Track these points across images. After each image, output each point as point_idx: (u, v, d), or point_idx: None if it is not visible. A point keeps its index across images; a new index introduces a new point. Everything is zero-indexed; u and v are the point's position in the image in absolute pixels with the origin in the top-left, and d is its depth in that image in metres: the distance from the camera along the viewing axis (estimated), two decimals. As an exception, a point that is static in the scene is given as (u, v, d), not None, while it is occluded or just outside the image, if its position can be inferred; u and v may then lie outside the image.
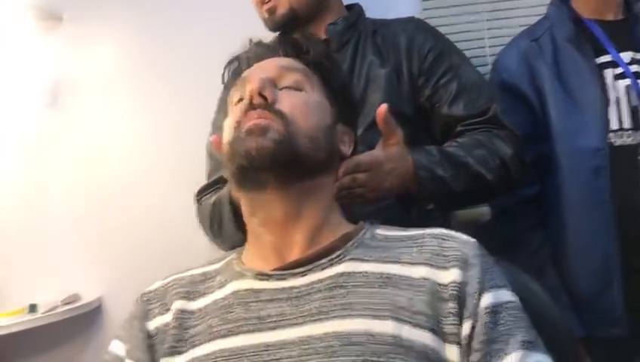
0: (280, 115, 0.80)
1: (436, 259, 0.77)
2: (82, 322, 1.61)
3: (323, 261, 0.79)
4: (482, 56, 1.71)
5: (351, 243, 0.81)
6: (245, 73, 0.89)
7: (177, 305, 0.82)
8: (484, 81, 1.30)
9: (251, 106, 0.81)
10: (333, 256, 0.79)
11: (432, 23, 1.62)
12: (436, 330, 0.72)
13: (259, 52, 0.91)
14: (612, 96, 1.31)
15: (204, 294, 0.83)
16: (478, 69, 1.63)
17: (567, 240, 1.32)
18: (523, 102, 1.36)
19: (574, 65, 1.33)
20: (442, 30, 1.36)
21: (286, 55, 0.90)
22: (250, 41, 0.95)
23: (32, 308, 1.51)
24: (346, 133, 0.92)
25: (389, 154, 1.00)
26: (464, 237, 0.81)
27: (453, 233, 0.81)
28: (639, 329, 1.28)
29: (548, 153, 1.34)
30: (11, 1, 1.50)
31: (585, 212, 1.30)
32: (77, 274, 1.64)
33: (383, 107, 0.95)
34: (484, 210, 1.50)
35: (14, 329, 1.43)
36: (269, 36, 1.09)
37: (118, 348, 0.84)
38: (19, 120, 1.63)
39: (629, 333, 1.28)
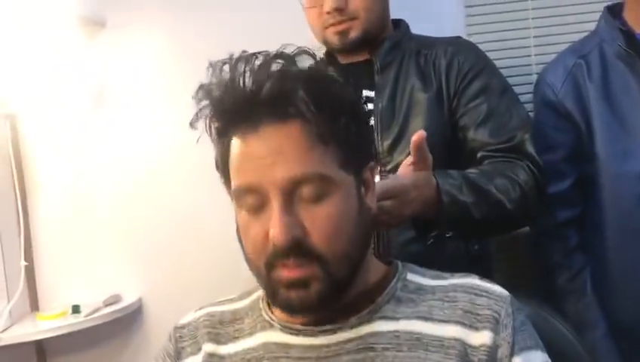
0: (316, 258, 0.71)
1: (468, 318, 0.75)
2: (123, 322, 1.65)
3: (352, 319, 0.77)
4: (528, 74, 1.66)
5: (382, 297, 0.79)
6: (252, 181, 0.72)
7: (207, 348, 0.83)
8: (519, 109, 1.26)
9: (282, 253, 0.71)
10: (364, 312, 0.78)
11: (476, 38, 1.60)
12: None
13: (249, 114, 0.72)
14: (662, 119, 1.26)
15: (234, 339, 0.83)
16: (524, 85, 1.62)
17: (609, 265, 1.29)
18: (567, 120, 1.31)
19: (624, 84, 1.27)
20: (487, 46, 1.33)
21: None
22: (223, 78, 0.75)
23: (75, 309, 1.55)
24: (370, 175, 0.81)
25: (416, 180, 0.99)
26: (497, 290, 0.79)
27: (486, 285, 0.80)
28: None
29: (592, 174, 1.30)
30: (58, 9, 1.52)
31: (628, 238, 1.26)
32: (118, 275, 1.68)
33: (421, 133, 0.94)
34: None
35: (59, 333, 1.48)
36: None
37: None
38: (66, 123, 1.66)
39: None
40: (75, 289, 1.65)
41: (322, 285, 0.72)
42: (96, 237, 1.67)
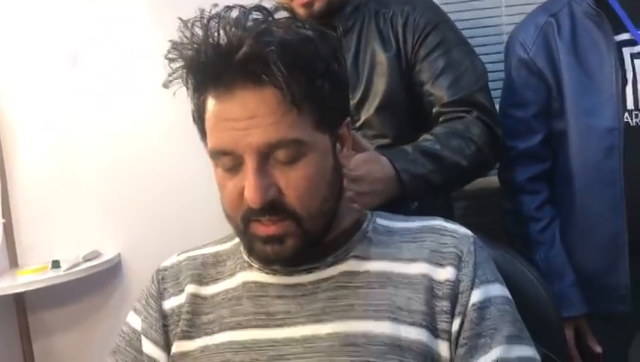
0: (291, 215, 0.74)
1: (434, 256, 0.80)
2: (102, 277, 1.68)
3: (328, 259, 0.81)
4: (499, 34, 1.70)
5: (355, 237, 0.83)
6: (225, 136, 0.72)
7: (190, 289, 0.86)
8: (474, 62, 1.31)
9: (257, 213, 0.73)
10: (338, 252, 0.82)
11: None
12: (431, 328, 0.76)
13: (223, 75, 0.72)
14: (629, 76, 1.28)
15: (215, 280, 0.86)
16: (495, 45, 1.64)
17: (576, 217, 1.34)
18: (539, 77, 1.35)
19: (592, 42, 1.31)
20: (458, 6, 1.34)
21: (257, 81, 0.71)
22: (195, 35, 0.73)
23: (55, 264, 1.57)
24: (346, 130, 0.82)
25: (370, 172, 1.04)
26: (461, 231, 0.84)
27: (450, 226, 0.85)
28: (642, 306, 1.32)
29: (561, 130, 1.34)
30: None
31: (594, 191, 1.30)
32: (97, 231, 1.70)
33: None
34: (493, 180, 1.52)
35: (39, 286, 1.50)
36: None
37: (135, 322, 0.89)
38: (43, 84, 1.66)
39: (632, 311, 1.31)
40: (55, 246, 1.66)
41: (297, 240, 0.76)
42: (74, 194, 1.69)
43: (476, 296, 0.77)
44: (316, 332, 0.77)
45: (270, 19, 0.73)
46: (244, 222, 0.75)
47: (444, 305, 0.77)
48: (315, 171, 0.75)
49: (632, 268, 1.29)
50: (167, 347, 0.85)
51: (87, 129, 1.69)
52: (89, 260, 1.61)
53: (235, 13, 0.73)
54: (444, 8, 1.44)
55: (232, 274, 0.86)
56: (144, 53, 1.66)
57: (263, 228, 0.75)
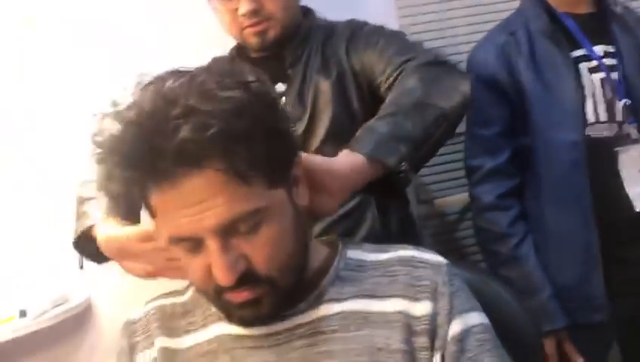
0: (262, 280, 0.72)
1: (409, 290, 0.78)
2: (73, 323, 1.62)
3: (301, 305, 0.79)
4: (459, 53, 1.73)
5: (326, 280, 0.81)
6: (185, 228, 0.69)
7: (160, 342, 0.83)
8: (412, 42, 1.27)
9: (229, 287, 0.71)
10: (311, 296, 0.79)
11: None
12: None
13: (159, 166, 0.65)
14: (588, 90, 1.33)
15: (187, 331, 0.84)
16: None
17: (548, 231, 1.36)
18: (501, 95, 1.38)
19: (550, 58, 1.35)
20: (417, 28, 1.35)
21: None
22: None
23: (22, 313, 1.51)
24: (298, 170, 0.79)
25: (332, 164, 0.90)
26: (434, 260, 0.82)
27: (423, 256, 0.82)
28: (619, 314, 1.34)
29: (527, 146, 1.37)
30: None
31: (564, 204, 1.33)
32: (64, 276, 1.64)
33: None
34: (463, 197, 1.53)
35: (6, 338, 1.44)
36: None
37: None
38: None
39: (609, 319, 1.33)
40: (21, 294, 1.59)
41: (273, 298, 0.74)
42: (35, 235, 1.62)
43: (454, 327, 0.76)
44: None
45: (190, 88, 0.68)
46: (216, 292, 0.73)
47: (423, 341, 0.75)
48: (278, 231, 0.73)
49: (606, 277, 1.32)
50: None
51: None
52: (58, 306, 1.56)
53: (148, 92, 0.68)
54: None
55: (203, 326, 0.83)
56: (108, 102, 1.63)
57: (237, 295, 0.73)
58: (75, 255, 1.52)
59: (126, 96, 0.70)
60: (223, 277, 0.69)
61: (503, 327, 0.82)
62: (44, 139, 1.64)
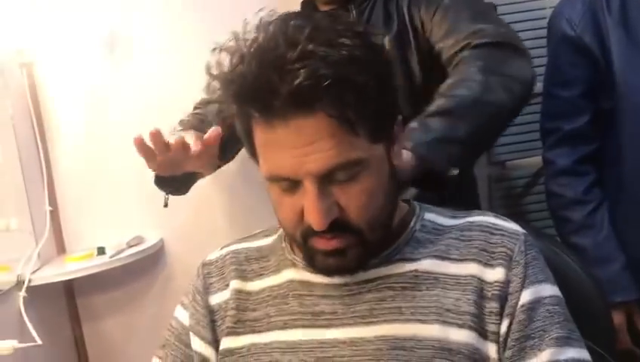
0: (352, 230, 0.74)
1: (483, 255, 0.78)
2: (146, 262, 1.69)
3: (373, 261, 0.80)
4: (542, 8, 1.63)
5: (401, 239, 0.82)
6: (285, 159, 0.70)
7: (235, 284, 0.86)
8: (487, 13, 1.20)
9: (320, 232, 0.73)
10: (384, 253, 0.80)
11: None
12: (480, 330, 0.75)
13: (274, 104, 0.68)
14: (682, 50, 1.23)
15: (260, 275, 0.87)
16: (538, 20, 1.57)
17: (626, 199, 1.30)
18: (585, 55, 1.30)
19: (644, 16, 1.25)
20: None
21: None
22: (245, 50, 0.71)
23: (100, 250, 1.59)
24: (398, 129, 0.80)
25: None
26: (511, 228, 0.81)
27: (500, 223, 0.82)
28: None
29: (609, 110, 1.29)
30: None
31: (645, 172, 1.26)
32: (139, 218, 1.71)
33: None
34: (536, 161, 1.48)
35: (85, 273, 1.53)
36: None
37: (183, 316, 0.90)
38: (80, 70, 1.66)
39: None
40: (100, 232, 1.68)
41: (359, 251, 0.75)
42: (116, 181, 1.70)
43: (526, 296, 0.75)
44: (363, 335, 0.76)
45: (312, 33, 0.69)
46: (303, 237, 0.76)
47: (493, 306, 0.75)
48: (374, 183, 0.74)
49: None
50: (215, 343, 0.86)
51: (125, 114, 1.68)
52: (133, 246, 1.64)
53: (269, 30, 0.70)
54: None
55: (276, 271, 0.86)
56: (182, 37, 1.65)
57: (325, 243, 0.74)
58: (151, 198, 1.61)
59: (247, 31, 0.72)
60: (316, 220, 0.71)
61: (570, 297, 0.80)
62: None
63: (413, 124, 1.00)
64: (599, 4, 1.29)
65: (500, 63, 1.07)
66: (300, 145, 0.69)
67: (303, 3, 1.39)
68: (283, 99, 0.67)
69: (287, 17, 0.72)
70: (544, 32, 1.43)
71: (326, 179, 0.71)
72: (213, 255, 0.93)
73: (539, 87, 1.40)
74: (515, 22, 1.68)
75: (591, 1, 1.29)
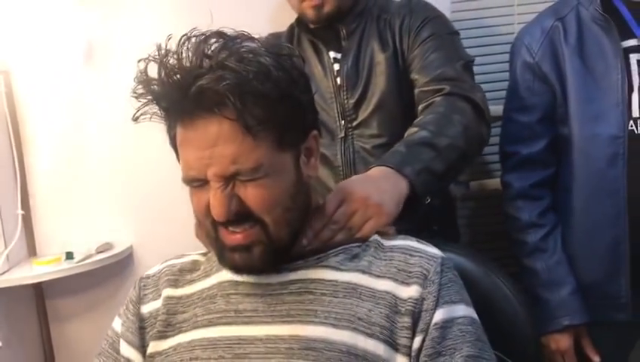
0: (256, 221, 0.80)
1: (401, 275, 0.82)
2: (115, 268, 1.73)
3: (299, 263, 0.85)
4: (511, 33, 1.67)
5: (334, 250, 0.87)
6: (191, 158, 0.78)
7: (166, 292, 0.91)
8: (457, 49, 1.33)
9: (223, 224, 0.80)
10: (311, 258, 0.85)
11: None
12: (389, 342, 0.78)
13: (184, 106, 0.77)
14: (636, 83, 1.26)
15: (191, 281, 0.91)
16: (506, 44, 1.62)
17: (577, 224, 1.32)
18: (543, 82, 1.33)
19: (599, 47, 1.28)
20: (472, 4, 1.34)
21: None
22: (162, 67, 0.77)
23: (69, 255, 1.62)
24: (313, 142, 0.87)
25: (370, 190, 0.96)
26: (430, 251, 0.86)
27: (420, 247, 0.87)
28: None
29: (565, 136, 1.32)
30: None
31: (597, 198, 1.29)
32: (110, 224, 1.75)
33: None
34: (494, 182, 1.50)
35: (52, 277, 1.56)
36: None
37: (117, 325, 0.94)
38: (57, 78, 1.70)
39: (632, 319, 1.30)
40: (71, 236, 1.71)
41: (264, 248, 0.81)
42: (89, 187, 1.73)
43: (439, 315, 0.79)
44: (278, 333, 0.80)
45: (227, 47, 0.76)
46: (213, 228, 0.82)
47: (405, 321, 0.79)
48: (275, 187, 0.80)
49: (632, 276, 1.28)
50: (142, 348, 0.90)
51: (99, 122, 1.72)
52: (101, 252, 1.67)
53: (192, 42, 0.77)
54: (457, 8, 1.43)
55: (207, 276, 0.91)
56: (154, 47, 1.68)
57: (231, 237, 0.81)
58: (122, 205, 1.62)
59: (170, 44, 0.79)
60: (217, 211, 0.77)
61: (497, 319, 0.84)
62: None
63: (400, 147, 1.09)
64: (557, 32, 1.32)
65: (471, 121, 1.18)
66: (204, 146, 0.76)
67: (295, 20, 1.45)
68: (190, 99, 0.74)
69: (210, 35, 0.78)
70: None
71: (229, 178, 0.78)
72: (153, 270, 0.97)
73: (499, 110, 1.44)
74: (484, 45, 1.72)
75: (550, 30, 1.33)
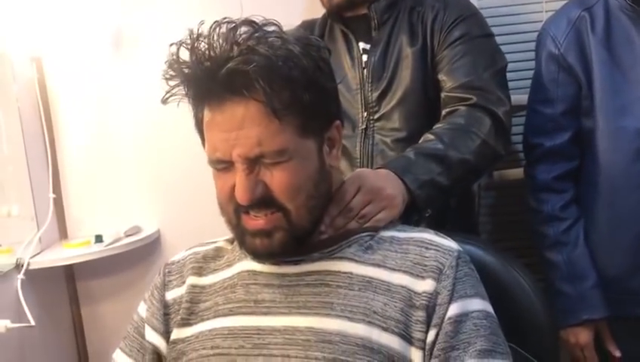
0: (278, 207, 0.81)
1: (416, 268, 0.83)
2: (143, 251, 1.77)
3: (315, 255, 0.86)
4: (539, 21, 1.64)
5: (346, 241, 0.88)
6: (218, 141, 0.80)
7: (190, 280, 0.93)
8: (493, 54, 1.29)
9: (246, 208, 0.81)
10: (326, 250, 0.87)
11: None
12: (404, 335, 0.79)
13: (213, 89, 0.78)
14: (664, 74, 1.23)
15: (214, 271, 0.93)
16: (535, 32, 1.59)
17: (601, 218, 1.31)
18: (569, 74, 1.31)
19: (627, 38, 1.26)
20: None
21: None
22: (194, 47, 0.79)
23: (98, 238, 1.68)
24: (336, 133, 0.88)
25: (383, 186, 1.00)
26: (446, 245, 0.86)
27: (437, 240, 0.87)
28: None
29: (590, 129, 1.30)
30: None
31: (621, 193, 1.27)
32: (138, 208, 1.79)
33: None
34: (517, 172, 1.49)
35: (82, 260, 1.60)
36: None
37: (142, 310, 0.97)
38: (88, 64, 1.73)
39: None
40: (100, 220, 1.77)
41: (284, 234, 0.82)
42: (118, 172, 1.78)
43: (453, 309, 0.80)
44: (296, 325, 0.82)
45: (257, 35, 0.79)
46: (235, 214, 0.83)
47: (419, 315, 0.80)
48: (299, 172, 0.81)
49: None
50: (166, 334, 0.92)
51: (130, 108, 1.75)
52: (130, 235, 1.71)
53: (223, 29, 0.79)
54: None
55: (229, 265, 0.93)
56: (183, 33, 1.71)
57: (253, 222, 0.82)
58: (151, 189, 1.64)
59: (202, 30, 0.80)
60: (242, 195, 0.79)
61: (513, 311, 0.84)
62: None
63: (410, 155, 1.11)
64: (584, 23, 1.29)
65: (489, 137, 1.18)
66: (231, 128, 0.78)
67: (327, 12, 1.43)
68: (218, 82, 0.77)
69: (240, 23, 0.80)
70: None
71: (254, 161, 0.79)
72: (177, 256, 1.00)
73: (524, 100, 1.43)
74: (512, 33, 1.69)
75: (576, 20, 1.30)
